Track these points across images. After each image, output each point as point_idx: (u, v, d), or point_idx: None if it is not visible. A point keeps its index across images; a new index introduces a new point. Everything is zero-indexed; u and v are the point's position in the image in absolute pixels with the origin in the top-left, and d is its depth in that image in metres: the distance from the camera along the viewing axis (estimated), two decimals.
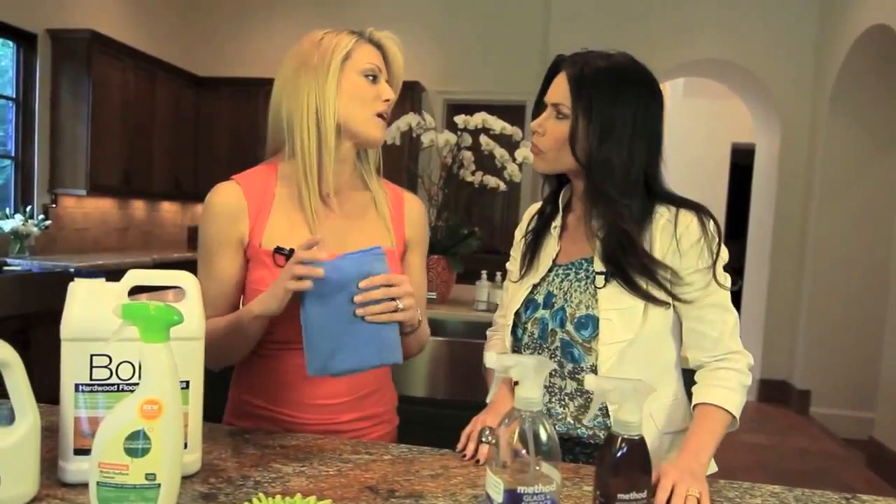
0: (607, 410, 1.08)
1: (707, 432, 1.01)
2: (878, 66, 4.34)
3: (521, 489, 0.68)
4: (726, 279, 1.08)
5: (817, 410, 4.61)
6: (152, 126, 5.16)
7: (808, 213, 4.82)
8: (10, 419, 0.82)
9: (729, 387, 1.05)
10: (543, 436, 0.70)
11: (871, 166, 4.51)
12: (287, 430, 1.16)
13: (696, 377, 1.10)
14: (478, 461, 1.04)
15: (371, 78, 1.15)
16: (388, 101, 1.17)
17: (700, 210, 1.08)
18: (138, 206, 5.47)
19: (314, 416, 1.17)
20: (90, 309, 0.88)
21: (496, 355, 0.72)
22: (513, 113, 4.48)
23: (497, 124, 2.92)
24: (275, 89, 1.19)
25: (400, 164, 3.84)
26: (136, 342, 0.85)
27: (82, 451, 0.88)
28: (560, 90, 1.11)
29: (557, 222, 1.20)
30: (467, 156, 3.08)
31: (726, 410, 1.04)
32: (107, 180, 4.69)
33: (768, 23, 4.94)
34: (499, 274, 2.97)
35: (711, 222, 1.08)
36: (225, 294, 1.16)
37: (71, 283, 0.89)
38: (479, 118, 2.92)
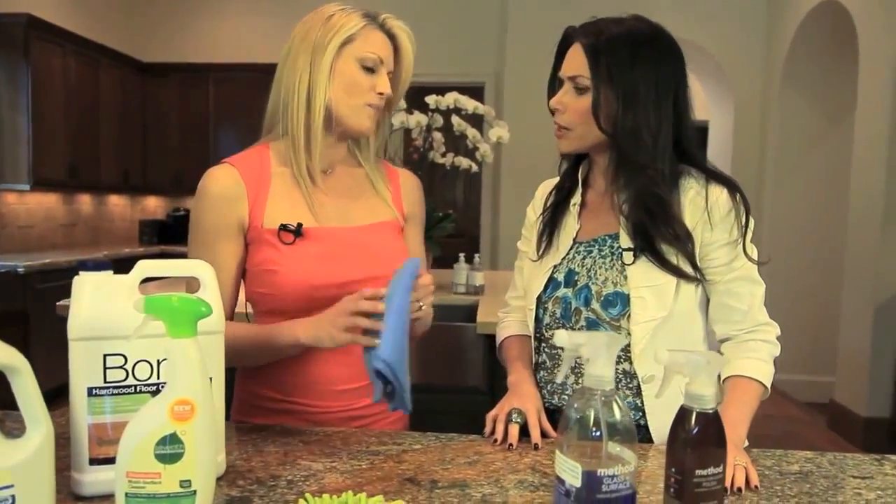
0: (638, 389, 1.06)
1: (743, 405, 1.00)
2: (828, 41, 4.46)
3: (600, 472, 0.65)
4: (754, 251, 1.07)
5: (776, 377, 4.75)
6: (97, 116, 4.91)
7: (763, 187, 4.95)
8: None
9: (760, 358, 1.05)
10: (618, 414, 0.66)
11: (823, 140, 4.65)
12: (307, 422, 1.10)
13: (724, 349, 1.09)
14: (510, 445, 1.00)
15: (367, 69, 1.09)
16: (381, 94, 1.10)
17: (729, 182, 1.07)
18: (85, 201, 5.21)
19: (335, 402, 1.12)
20: (99, 304, 0.80)
21: (567, 333, 0.68)
22: (472, 94, 4.43)
23: (470, 104, 2.87)
24: (280, 60, 1.13)
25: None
26: (154, 339, 0.78)
27: (98, 461, 0.81)
28: (576, 62, 1.06)
29: (577, 199, 1.16)
30: (437, 137, 3.03)
31: (759, 382, 1.03)
32: (51, 174, 4.44)
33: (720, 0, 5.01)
34: (477, 256, 2.94)
35: (739, 195, 1.06)
36: (226, 282, 1.10)
37: (76, 278, 0.81)
38: (450, 98, 2.86)
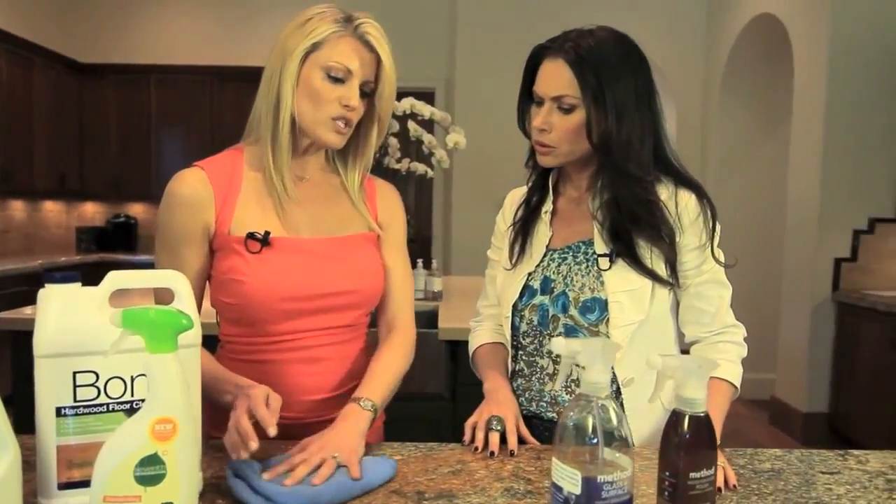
0: (617, 393, 1.07)
1: (716, 406, 1.02)
2: (764, 51, 4.66)
3: (600, 478, 0.65)
4: (720, 255, 1.10)
5: None
6: (31, 118, 4.66)
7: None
8: None
9: (729, 359, 1.08)
10: (614, 420, 0.67)
11: (761, 145, 4.85)
12: (280, 433, 1.07)
13: (693, 351, 1.12)
14: (492, 453, 1.00)
15: (334, 79, 1.03)
16: (348, 106, 1.04)
17: (697, 187, 1.09)
18: (17, 207, 4.94)
19: (307, 413, 1.09)
20: (68, 318, 0.76)
21: (564, 340, 0.69)
22: (423, 100, 4.41)
23: (426, 110, 2.87)
24: None
25: None
26: (128, 354, 0.75)
27: (66, 485, 0.76)
28: (558, 81, 1.04)
29: (548, 206, 1.17)
30: (393, 142, 3.01)
31: (730, 382, 1.06)
32: None
33: (660, 9, 5.16)
34: (434, 262, 2.93)
35: (706, 199, 1.09)
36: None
37: (41, 291, 0.77)
38: (406, 103, 2.85)
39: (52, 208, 5.38)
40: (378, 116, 1.11)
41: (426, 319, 2.56)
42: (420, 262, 2.84)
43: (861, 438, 3.45)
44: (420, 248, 5.77)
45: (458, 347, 2.20)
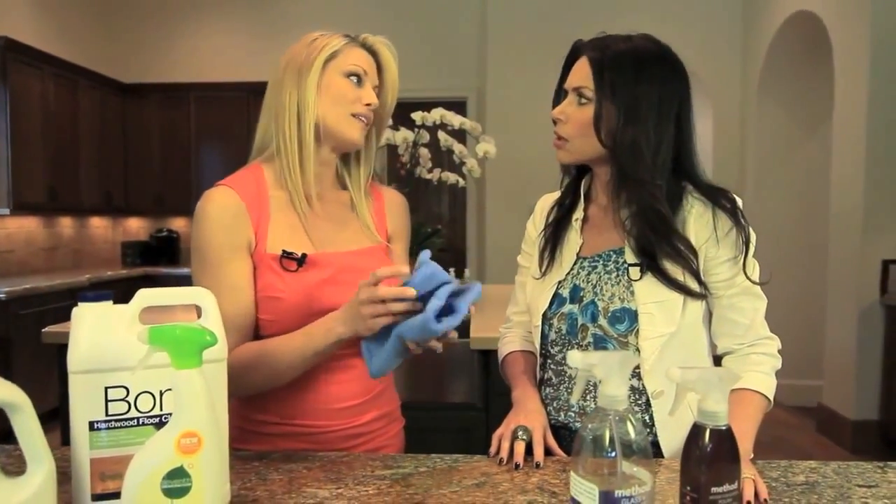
0: (647, 405, 1.05)
1: (748, 418, 1.00)
2: (803, 50, 4.55)
3: (617, 493, 0.64)
4: (756, 267, 1.08)
5: None
6: (77, 137, 4.85)
7: (743, 195, 4.99)
8: None
9: (763, 371, 1.06)
10: (632, 434, 0.66)
11: (801, 147, 4.73)
12: (308, 442, 1.10)
13: (725, 362, 1.10)
14: (517, 464, 1.00)
15: (354, 79, 1.12)
16: (369, 105, 1.12)
17: (732, 202, 1.07)
18: (66, 224, 5.14)
19: (336, 421, 1.12)
20: (100, 335, 0.78)
21: (580, 353, 0.68)
22: (454, 109, 4.41)
23: (456, 119, 2.88)
24: (268, 87, 1.14)
25: None
26: (156, 369, 0.77)
27: (100, 497, 0.79)
28: (581, 74, 1.08)
29: (579, 214, 1.17)
30: (424, 153, 3.03)
31: (763, 394, 1.04)
32: (31, 197, 4.37)
33: (695, 11, 5.09)
34: (467, 271, 2.94)
35: (740, 212, 1.07)
36: (245, 307, 1.07)
37: (75, 309, 0.80)
38: (437, 114, 2.87)
39: (98, 224, 5.57)
40: (380, 116, 1.18)
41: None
42: (452, 271, 2.85)
43: None
44: (454, 257, 5.79)
45: (490, 356, 2.20)
